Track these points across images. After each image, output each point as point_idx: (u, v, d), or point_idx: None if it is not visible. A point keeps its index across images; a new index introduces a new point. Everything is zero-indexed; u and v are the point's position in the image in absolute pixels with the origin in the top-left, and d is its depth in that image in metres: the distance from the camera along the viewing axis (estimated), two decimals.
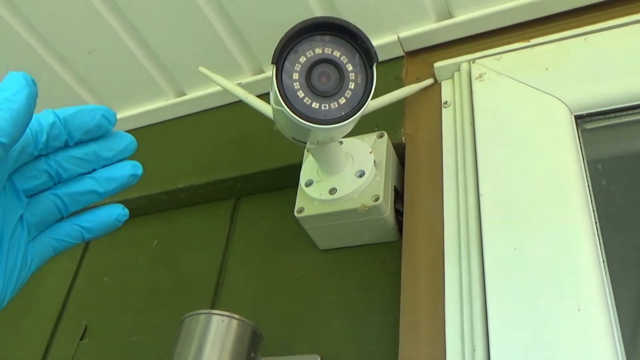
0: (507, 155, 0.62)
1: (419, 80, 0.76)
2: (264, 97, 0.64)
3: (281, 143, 0.73)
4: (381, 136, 0.70)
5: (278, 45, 0.49)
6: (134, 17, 0.85)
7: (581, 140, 0.61)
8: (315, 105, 0.51)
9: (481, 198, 0.60)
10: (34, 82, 0.38)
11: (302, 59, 0.51)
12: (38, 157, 0.42)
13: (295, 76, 0.51)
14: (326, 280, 0.70)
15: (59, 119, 0.41)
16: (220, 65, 0.87)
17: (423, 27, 0.77)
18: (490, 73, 0.70)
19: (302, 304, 0.70)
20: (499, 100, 0.67)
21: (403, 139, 0.72)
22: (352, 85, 0.52)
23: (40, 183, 0.43)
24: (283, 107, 0.50)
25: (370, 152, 0.67)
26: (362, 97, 0.52)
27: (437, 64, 0.75)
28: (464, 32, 0.75)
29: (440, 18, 0.76)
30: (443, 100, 0.73)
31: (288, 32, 0.49)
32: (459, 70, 0.74)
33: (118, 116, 0.97)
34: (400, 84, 0.77)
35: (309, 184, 0.68)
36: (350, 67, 0.52)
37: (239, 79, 0.89)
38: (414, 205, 0.66)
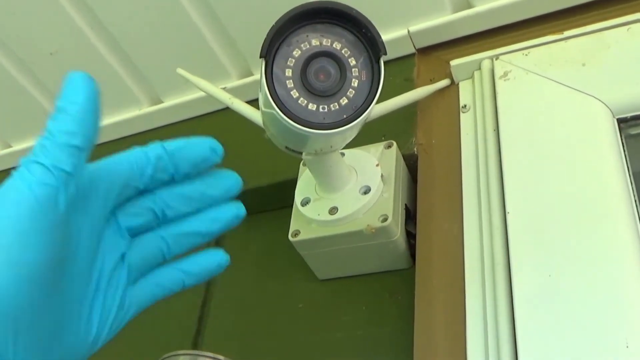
0: (537, 167, 0.61)
1: (432, 81, 0.76)
2: (253, 103, 0.64)
3: (273, 156, 0.72)
4: (389, 146, 0.69)
5: (268, 35, 0.48)
6: (102, 12, 0.84)
7: (625, 148, 0.60)
8: (312, 106, 0.50)
9: (508, 217, 0.59)
10: (92, 80, 0.40)
11: (296, 53, 0.49)
12: (142, 192, 0.45)
13: (289, 72, 0.49)
14: (327, 315, 0.70)
15: (166, 151, 0.44)
16: (202, 67, 0.87)
17: (437, 20, 0.77)
18: (517, 71, 0.69)
19: (299, 342, 0.70)
20: (527, 103, 0.66)
21: (415, 149, 0.72)
22: (355, 83, 0.51)
23: (144, 222, 0.45)
24: (274, 109, 0.49)
25: (377, 165, 0.67)
26: (368, 96, 0.51)
27: (454, 62, 0.75)
28: (486, 24, 0.75)
29: (458, 9, 0.76)
30: (461, 103, 0.73)
31: (279, 19, 0.48)
32: (479, 68, 0.73)
33: None
34: (411, 86, 0.76)
35: (305, 202, 0.67)
36: (352, 62, 0.51)
37: (224, 83, 0.89)
38: (429, 227, 0.66)
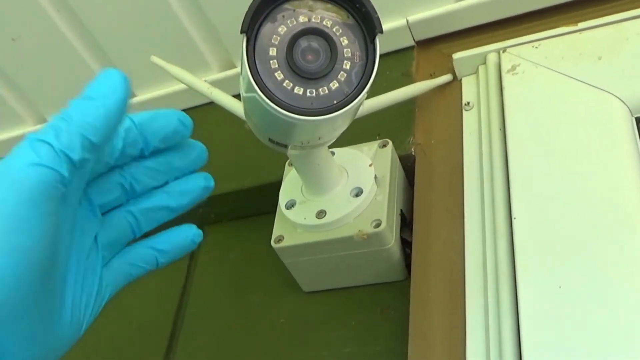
0: (547, 169, 0.61)
1: (433, 76, 0.77)
2: (237, 98, 0.64)
3: (258, 155, 0.74)
4: (384, 145, 0.69)
5: (250, 8, 0.47)
6: None
7: None
8: (298, 90, 0.49)
9: (514, 222, 0.59)
10: (129, 83, 0.42)
11: (282, 29, 0.48)
12: (112, 168, 0.47)
13: (273, 52, 0.48)
14: (313, 331, 0.70)
15: (134, 123, 0.45)
16: (180, 57, 0.87)
17: (439, 9, 0.77)
18: (526, 64, 0.69)
19: None
20: (536, 99, 0.66)
21: (412, 149, 0.72)
22: (347, 65, 0.50)
23: (114, 198, 0.47)
24: (256, 92, 0.48)
25: (370, 165, 0.66)
26: (361, 80, 0.50)
27: (456, 56, 0.75)
28: (492, 15, 0.76)
29: None
30: (464, 101, 0.73)
31: None
32: (484, 62, 0.74)
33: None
34: (409, 81, 0.77)
35: (290, 205, 0.67)
36: (345, 41, 0.49)
37: (204, 76, 0.89)
38: (426, 234, 0.65)
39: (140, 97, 0.94)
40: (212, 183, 0.52)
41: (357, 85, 0.50)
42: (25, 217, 0.37)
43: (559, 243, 0.56)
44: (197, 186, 0.51)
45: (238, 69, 0.88)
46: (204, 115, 0.86)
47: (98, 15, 0.86)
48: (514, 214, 0.59)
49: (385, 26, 0.77)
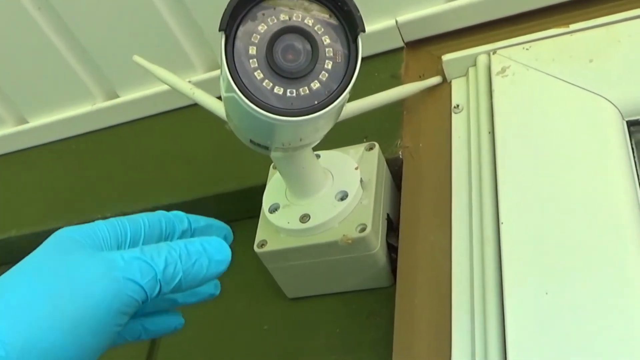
0: (536, 174, 0.61)
1: (422, 78, 0.76)
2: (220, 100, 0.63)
3: (240, 159, 0.74)
4: (371, 148, 0.69)
5: (228, 6, 0.47)
6: None
7: (636, 155, 0.60)
8: (278, 90, 0.49)
9: (502, 228, 0.59)
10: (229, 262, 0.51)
11: (262, 28, 0.48)
12: None
13: (252, 50, 0.48)
14: (297, 338, 0.70)
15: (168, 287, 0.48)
16: (164, 58, 0.87)
17: (429, 10, 0.77)
18: (517, 67, 0.69)
19: None
20: (527, 102, 0.66)
21: (400, 153, 0.72)
22: (329, 65, 0.50)
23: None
24: (235, 92, 0.48)
25: (356, 169, 0.66)
26: (343, 80, 0.50)
27: (446, 57, 0.75)
28: (483, 16, 0.76)
29: None
30: (453, 103, 0.73)
31: None
32: (474, 64, 0.74)
33: (26, 125, 1.00)
34: (398, 83, 0.77)
35: (274, 209, 0.67)
36: (327, 40, 0.49)
37: (189, 76, 0.89)
38: (413, 239, 0.65)
39: (123, 97, 0.94)
40: (219, 291, 0.59)
41: (338, 86, 0.50)
42: (109, 324, 0.43)
43: (546, 249, 0.56)
44: (206, 292, 0.57)
45: None
46: (188, 117, 0.86)
47: (80, 13, 0.86)
48: (501, 219, 0.59)
49: (374, 27, 0.78)
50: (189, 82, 0.83)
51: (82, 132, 0.98)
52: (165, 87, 0.86)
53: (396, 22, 0.78)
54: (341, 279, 0.68)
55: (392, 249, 0.67)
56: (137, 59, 0.74)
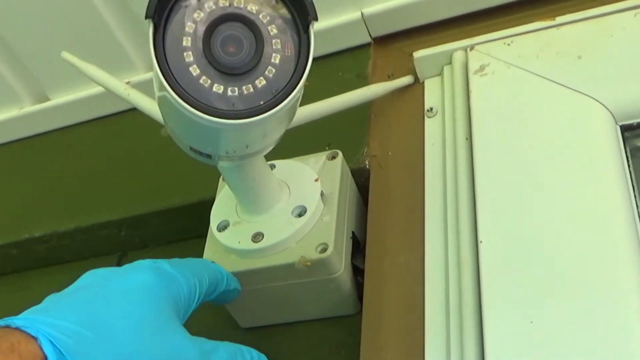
0: (519, 185, 0.61)
1: (391, 77, 0.77)
2: None
3: (186, 170, 0.74)
4: (334, 157, 0.70)
5: None
6: None
7: (630, 162, 0.61)
8: (217, 88, 0.48)
9: (481, 247, 0.59)
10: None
11: (198, 15, 0.47)
12: None
13: (187, 42, 0.47)
14: None
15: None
16: (100, 55, 0.86)
17: (399, 1, 0.77)
18: (496, 64, 0.70)
19: None
20: (508, 104, 0.67)
21: (367, 162, 0.73)
22: (276, 59, 0.49)
23: None
24: (167, 90, 0.47)
25: (317, 180, 0.67)
26: (292, 77, 0.49)
27: (418, 54, 0.76)
28: (459, 8, 0.77)
29: None
30: (427, 106, 0.74)
31: None
32: (450, 62, 0.75)
33: None
34: (364, 83, 0.77)
35: (223, 227, 0.67)
36: (273, 30, 0.49)
37: (129, 77, 0.89)
38: (381, 261, 0.66)
39: (55, 101, 0.94)
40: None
41: (287, 83, 0.49)
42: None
43: (531, 271, 0.56)
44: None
45: None
46: (126, 122, 0.87)
47: (5, 7, 0.85)
48: (480, 238, 0.59)
49: (337, 19, 0.78)
50: (128, 82, 0.84)
51: (7, 140, 0.99)
52: (101, 89, 0.86)
53: (362, 14, 0.78)
54: (300, 306, 0.68)
55: (357, 272, 0.67)
56: (66, 55, 0.75)
